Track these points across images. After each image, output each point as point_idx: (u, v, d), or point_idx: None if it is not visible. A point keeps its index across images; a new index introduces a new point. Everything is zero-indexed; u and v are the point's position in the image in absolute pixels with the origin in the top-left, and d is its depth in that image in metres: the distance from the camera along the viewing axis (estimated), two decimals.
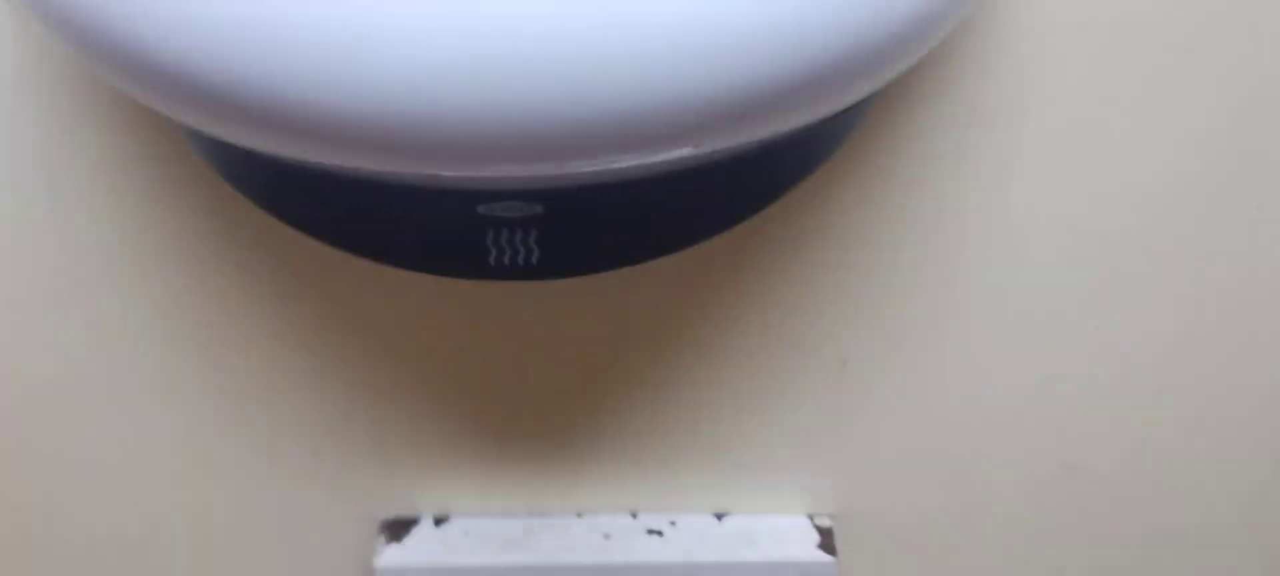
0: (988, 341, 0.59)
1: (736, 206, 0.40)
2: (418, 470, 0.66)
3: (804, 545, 0.66)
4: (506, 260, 0.38)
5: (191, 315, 0.58)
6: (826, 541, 0.66)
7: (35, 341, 0.58)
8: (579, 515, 0.67)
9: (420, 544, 0.67)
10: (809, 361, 0.59)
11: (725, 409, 0.62)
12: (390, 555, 0.66)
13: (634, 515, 0.67)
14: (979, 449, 0.64)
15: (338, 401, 0.62)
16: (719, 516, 0.67)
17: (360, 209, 0.37)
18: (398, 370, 0.61)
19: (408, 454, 0.65)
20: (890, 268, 0.56)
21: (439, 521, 0.68)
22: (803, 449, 0.64)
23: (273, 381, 0.61)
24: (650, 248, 0.40)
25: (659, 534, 0.67)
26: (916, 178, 0.54)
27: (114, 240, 0.55)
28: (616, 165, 0.31)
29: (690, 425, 0.63)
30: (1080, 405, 0.62)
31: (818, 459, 0.64)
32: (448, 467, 0.66)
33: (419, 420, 0.63)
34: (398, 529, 0.67)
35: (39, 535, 0.65)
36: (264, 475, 0.64)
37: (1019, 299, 0.58)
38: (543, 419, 0.63)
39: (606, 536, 0.66)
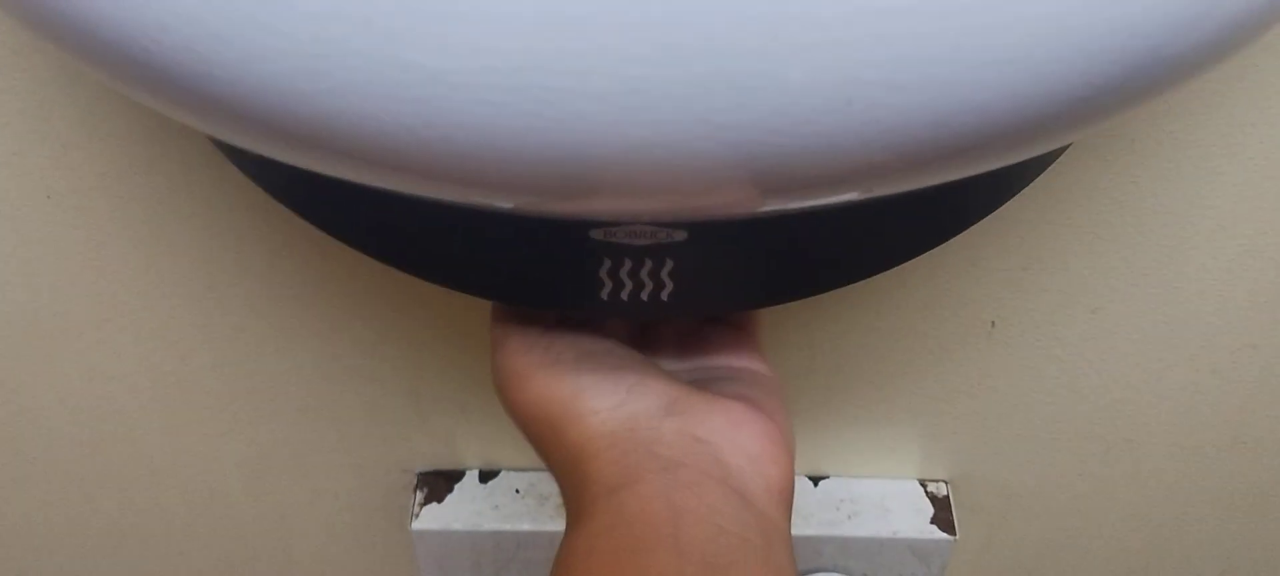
0: (1148, 319, 0.48)
1: (922, 236, 0.28)
2: (460, 414, 0.55)
3: (915, 517, 0.56)
4: (625, 295, 0.27)
5: (217, 250, 0.47)
6: (942, 513, 0.56)
7: (73, 273, 0.47)
8: None
9: (464, 503, 0.57)
10: (953, 319, 0.48)
11: (835, 355, 0.52)
12: (429, 516, 0.57)
13: None
14: (1135, 424, 0.53)
15: (367, 337, 0.51)
16: (816, 480, 0.58)
17: (427, 232, 0.26)
18: (437, 304, 0.50)
19: (448, 396, 0.54)
20: (1052, 236, 0.45)
21: (486, 476, 0.58)
22: (924, 407, 0.54)
23: (289, 313, 0.50)
24: (815, 281, 0.28)
25: None
26: (1093, 153, 0.42)
27: (157, 183, 0.43)
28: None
29: (790, 372, 0.52)
30: (1243, 384, 0.51)
31: (942, 419, 0.54)
32: (495, 412, 0.55)
33: (463, 356, 0.52)
34: (438, 484, 0.58)
35: (47, 450, 0.55)
36: (279, 417, 0.54)
37: (1181, 289, 0.47)
38: None
39: None
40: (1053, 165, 0.43)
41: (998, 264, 0.46)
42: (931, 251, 0.46)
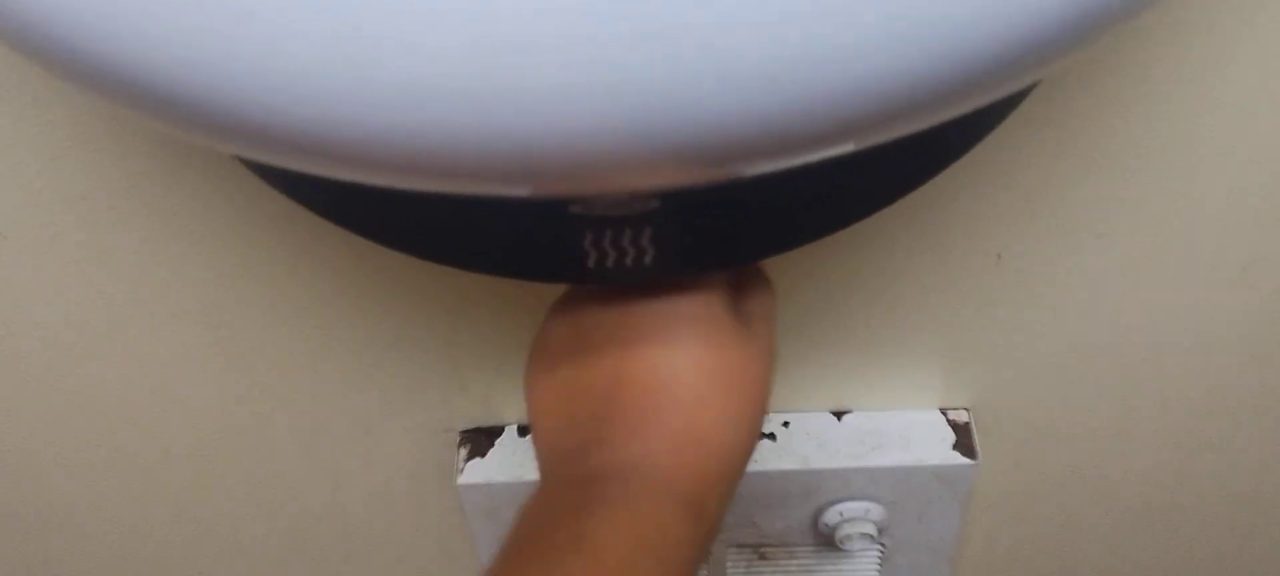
0: (1155, 241, 0.49)
1: (898, 182, 0.29)
2: (496, 374, 0.58)
3: (937, 445, 0.58)
4: (610, 263, 0.29)
5: (258, 235, 0.49)
6: (964, 440, 0.58)
7: (118, 258, 0.50)
8: None
9: (505, 456, 0.60)
10: (960, 253, 0.49)
11: (849, 294, 0.53)
12: (474, 470, 0.60)
13: None
14: (1152, 345, 0.54)
15: (405, 309, 0.54)
16: (839, 415, 0.59)
17: (423, 217, 0.28)
18: (468, 274, 0.53)
19: (485, 357, 0.57)
20: (1051, 165, 0.46)
21: (524, 430, 0.61)
22: (940, 340, 0.55)
23: (330, 290, 0.52)
24: (795, 235, 0.29)
25: (769, 437, 0.59)
26: (1086, 81, 0.42)
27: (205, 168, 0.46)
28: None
29: (808, 313, 0.54)
30: (1258, 297, 0.52)
31: (958, 350, 0.55)
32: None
33: (496, 320, 0.55)
34: (480, 440, 0.61)
35: (111, 436, 0.59)
36: (327, 389, 0.57)
37: (1187, 209, 0.48)
38: None
39: None
40: (1048, 94, 0.43)
41: (1000, 196, 0.47)
42: (932, 187, 0.48)
